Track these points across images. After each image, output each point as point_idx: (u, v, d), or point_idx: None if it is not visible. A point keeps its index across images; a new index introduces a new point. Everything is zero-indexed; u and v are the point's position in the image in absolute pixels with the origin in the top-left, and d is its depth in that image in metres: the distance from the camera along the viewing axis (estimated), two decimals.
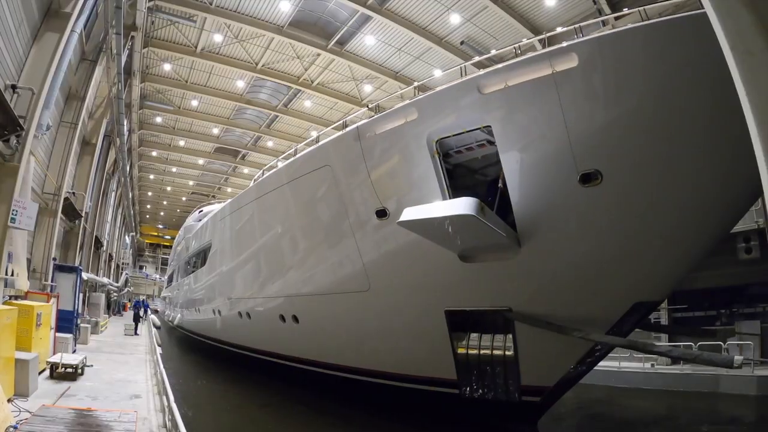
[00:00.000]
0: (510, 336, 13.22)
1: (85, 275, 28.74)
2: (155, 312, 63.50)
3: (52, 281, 21.43)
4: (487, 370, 13.56)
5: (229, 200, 26.38)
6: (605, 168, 10.72)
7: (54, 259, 22.13)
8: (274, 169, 19.67)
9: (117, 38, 23.23)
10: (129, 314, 54.61)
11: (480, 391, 13.74)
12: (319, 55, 36.43)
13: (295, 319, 18.63)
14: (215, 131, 53.94)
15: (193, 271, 33.76)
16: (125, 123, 34.68)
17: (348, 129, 15.21)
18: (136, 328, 35.94)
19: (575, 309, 12.14)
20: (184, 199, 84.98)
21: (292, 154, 19.29)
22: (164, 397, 11.31)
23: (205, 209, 41.69)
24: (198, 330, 34.46)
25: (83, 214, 29.33)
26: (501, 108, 11.69)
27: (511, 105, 11.55)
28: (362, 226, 14.98)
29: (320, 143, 16.93)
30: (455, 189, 13.21)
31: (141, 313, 43.10)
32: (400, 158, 13.78)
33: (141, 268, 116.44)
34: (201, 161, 64.21)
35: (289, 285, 18.66)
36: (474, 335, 13.81)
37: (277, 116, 48.59)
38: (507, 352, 13.26)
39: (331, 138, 16.11)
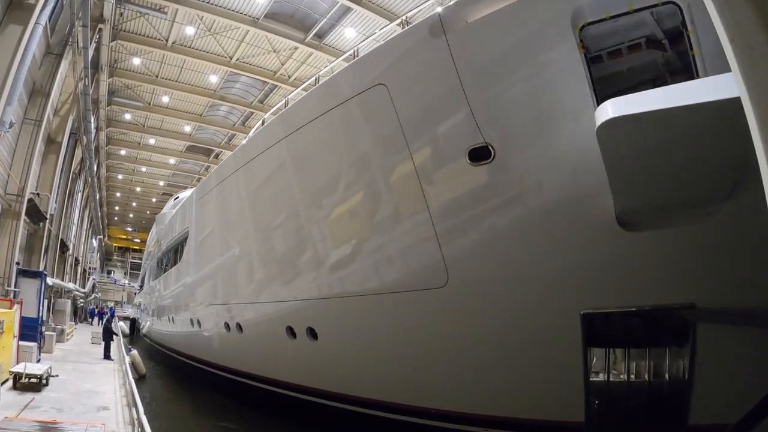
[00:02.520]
0: (684, 349, 8.81)
1: (50, 280, 28.47)
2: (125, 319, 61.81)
3: (15, 287, 21.24)
4: (635, 404, 9.25)
5: (216, 167, 21.26)
6: None
7: (17, 263, 21.94)
8: (288, 106, 14.52)
9: (83, 31, 23.05)
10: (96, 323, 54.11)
11: None
12: (296, 48, 36.34)
13: (312, 333, 13.38)
14: (187, 129, 53.63)
15: (165, 271, 28.09)
16: (92, 120, 34.43)
17: (419, 21, 10.33)
18: (107, 350, 26.72)
19: None
20: (154, 200, 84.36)
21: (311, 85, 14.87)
22: (134, 409, 11.23)
23: (183, 194, 34.09)
24: (171, 345, 27.92)
25: (48, 216, 29.07)
26: None
27: None
28: (441, 179, 9.95)
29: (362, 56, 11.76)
30: None
31: (113, 326, 31.44)
32: (518, 58, 8.86)
33: (109, 272, 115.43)
34: (172, 160, 63.87)
35: (306, 284, 13.49)
36: (618, 351, 9.32)
37: (252, 113, 48.24)
38: (675, 374, 8.93)
39: (386, 42, 11.01)
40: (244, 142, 17.58)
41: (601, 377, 9.21)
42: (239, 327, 16.94)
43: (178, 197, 36.60)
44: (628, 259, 8.35)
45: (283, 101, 15.75)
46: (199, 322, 20.98)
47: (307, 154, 13.19)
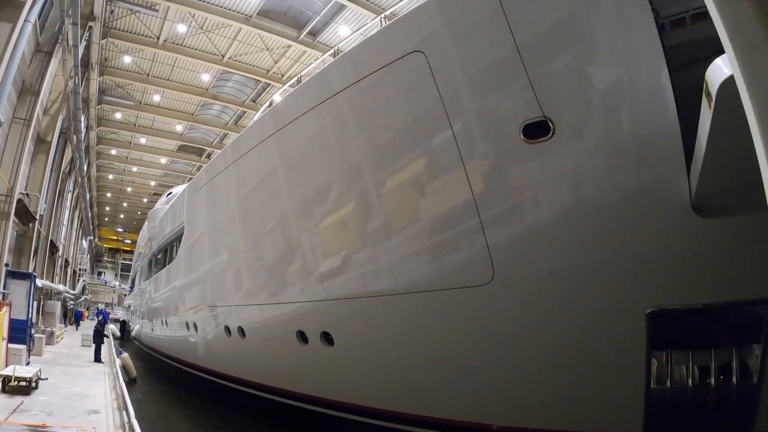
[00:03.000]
0: (753, 349, 7.94)
1: (39, 282, 28.35)
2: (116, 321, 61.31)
3: (4, 288, 21.14)
4: (696, 411, 8.29)
5: (217, 153, 19.58)
6: None
7: (6, 264, 21.83)
8: (303, 82, 13.06)
9: (74, 28, 22.98)
10: (87, 324, 53.85)
11: None
12: (289, 46, 36.36)
13: (327, 338, 11.86)
14: (179, 128, 53.53)
15: (158, 270, 26.36)
16: (82, 119, 34.32)
17: None
18: (98, 353, 26.64)
19: None
20: (145, 200, 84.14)
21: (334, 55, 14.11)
22: (124, 413, 11.22)
23: (177, 189, 31.77)
24: (164, 349, 26.28)
25: (38, 217, 28.95)
26: None
27: None
28: (488, 159, 8.60)
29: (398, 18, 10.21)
30: None
31: (107, 330, 31.33)
32: (585, 18, 7.69)
33: (99, 274, 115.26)
34: (163, 160, 63.78)
35: (322, 283, 11.87)
36: (679, 353, 8.21)
37: (244, 112, 48.27)
38: (742, 376, 7.90)
39: (423, 4, 9.31)
40: (255, 118, 15.77)
41: (661, 383, 8.09)
42: (241, 331, 15.21)
43: (171, 192, 34.34)
44: (703, 249, 7.27)
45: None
46: (195, 326, 19.03)
47: (329, 135, 11.62)
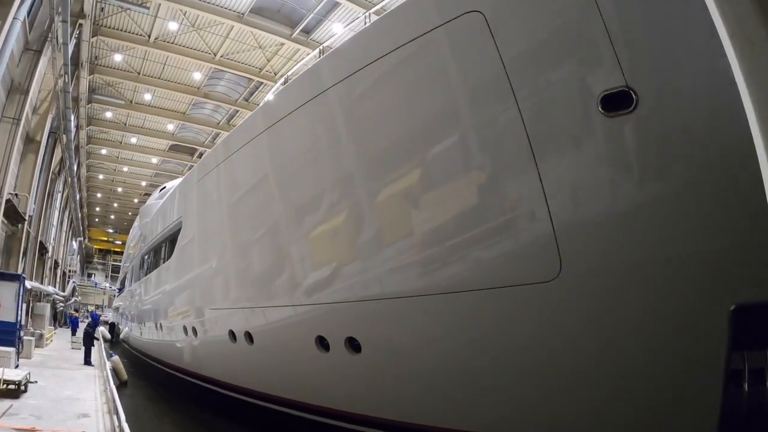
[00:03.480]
0: None
1: (28, 284, 28.25)
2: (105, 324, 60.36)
3: None
4: None
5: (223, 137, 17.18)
6: None
7: None
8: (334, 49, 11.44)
9: (63, 26, 22.90)
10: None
11: None
12: (282, 44, 36.36)
13: (352, 344, 10.28)
14: (170, 127, 53.43)
15: (151, 270, 24.68)
16: (72, 118, 34.23)
17: None
18: (88, 356, 26.46)
19: None
20: (136, 200, 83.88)
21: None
22: (115, 417, 11.20)
23: (171, 184, 30.84)
24: (157, 354, 24.69)
25: (27, 218, 28.88)
26: None
27: None
28: (559, 135, 7.19)
29: None
30: None
31: (97, 332, 30.84)
32: None
33: (89, 276, 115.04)
34: (155, 160, 63.65)
35: (348, 282, 10.29)
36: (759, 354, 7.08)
37: (237, 111, 48.26)
38: None
39: None
40: (269, 96, 13.96)
41: (740, 387, 6.82)
42: (248, 337, 13.50)
43: (164, 187, 33.16)
44: None
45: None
46: (194, 330, 17.17)
47: (363, 110, 9.84)
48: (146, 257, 26.66)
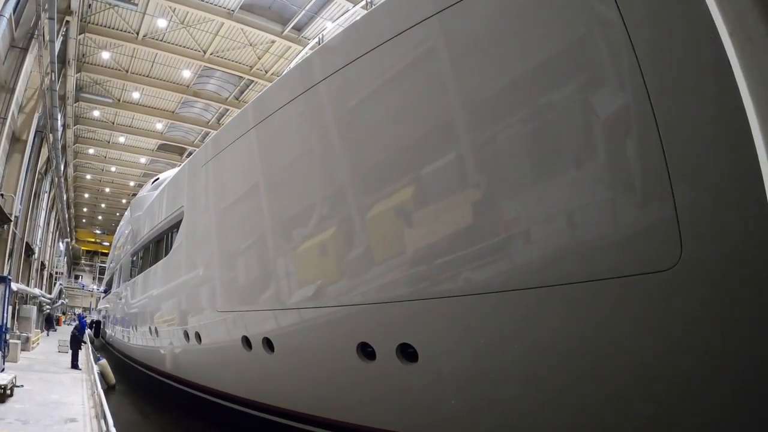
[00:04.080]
0: None
1: (14, 286, 28.12)
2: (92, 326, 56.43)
3: None
4: None
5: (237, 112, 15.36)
6: None
7: None
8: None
9: (50, 23, 22.85)
10: (64, 329, 53.40)
11: None
12: (273, 42, 36.38)
13: (404, 352, 8.47)
14: (159, 127, 53.31)
15: (144, 268, 22.52)
16: (59, 117, 34.09)
17: None
18: (75, 359, 25.95)
19: None
20: (124, 201, 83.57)
21: None
22: (102, 421, 11.17)
23: (166, 174, 29.27)
24: (151, 362, 22.14)
25: (12, 219, 28.71)
26: None
27: None
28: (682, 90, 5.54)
29: None
30: None
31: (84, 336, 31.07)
32: None
33: (77, 278, 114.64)
34: (143, 160, 63.48)
35: (406, 275, 8.20)
36: None
37: (227, 110, 48.20)
38: None
39: None
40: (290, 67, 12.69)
41: None
42: (268, 344, 11.61)
43: (158, 178, 30.58)
44: None
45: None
46: (198, 336, 15.04)
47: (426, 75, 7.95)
48: (138, 254, 24.50)
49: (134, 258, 25.80)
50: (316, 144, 10.19)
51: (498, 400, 7.74)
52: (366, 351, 9.17)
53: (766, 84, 2.90)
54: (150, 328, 20.54)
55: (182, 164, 19.18)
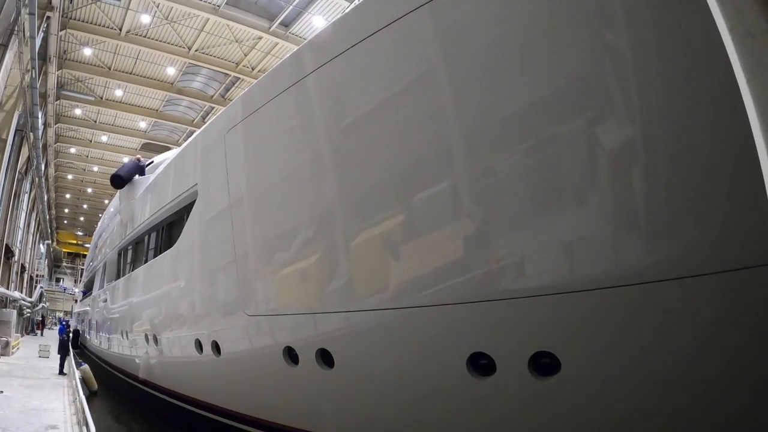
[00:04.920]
0: None
1: None
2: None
3: None
4: None
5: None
6: None
7: None
8: None
9: (30, 19, 22.72)
10: (49, 334, 53.16)
11: None
12: (260, 38, 36.33)
13: (537, 363, 6.42)
14: (142, 125, 53.13)
15: (138, 264, 19.32)
16: (40, 115, 33.94)
17: None
18: (63, 366, 25.95)
19: None
20: (106, 201, 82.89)
21: None
22: (84, 428, 11.14)
23: (160, 158, 25.78)
24: (150, 376, 18.20)
25: None
26: None
27: None
28: None
29: None
30: None
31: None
32: None
33: (58, 281, 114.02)
34: (126, 159, 62.93)
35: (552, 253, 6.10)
36: None
37: (212, 108, 47.89)
38: None
39: None
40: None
41: None
42: (324, 357, 8.92)
43: (152, 162, 25.30)
44: None
45: None
46: (216, 347, 11.98)
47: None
48: (131, 247, 21.02)
49: (123, 252, 22.51)
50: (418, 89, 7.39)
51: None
52: (477, 363, 6.97)
53: (767, 81, 2.90)
54: (147, 336, 16.91)
55: (195, 134, 15.57)
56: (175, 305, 14.76)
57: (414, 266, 7.40)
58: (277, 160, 10.11)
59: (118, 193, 24.07)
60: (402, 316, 7.54)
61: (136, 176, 21.99)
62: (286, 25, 34.93)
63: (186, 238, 13.86)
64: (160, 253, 16.09)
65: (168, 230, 15.92)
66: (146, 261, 17.90)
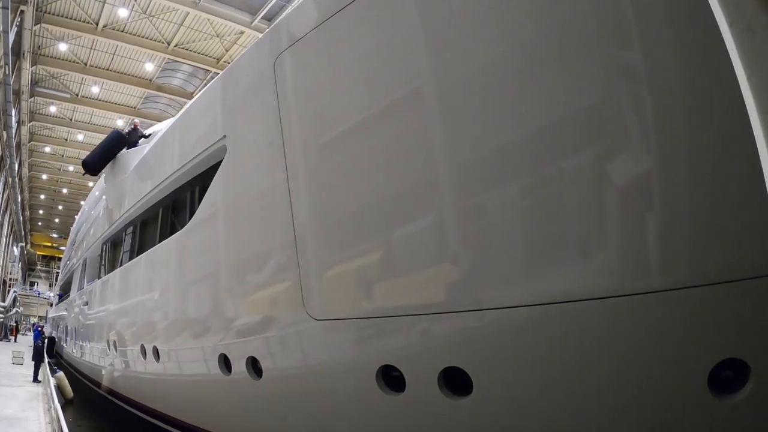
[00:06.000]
0: None
1: None
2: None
3: None
4: None
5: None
6: None
7: None
8: None
9: (3, 13, 22.65)
10: (23, 340, 52.88)
11: None
12: (242, 33, 36.38)
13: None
14: (120, 123, 52.56)
15: (135, 254, 14.68)
16: (13, 113, 33.87)
17: None
18: (37, 372, 25.20)
19: None
20: (82, 202, 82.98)
21: None
22: None
23: (159, 126, 19.56)
24: (140, 398, 14.44)
25: None
26: None
27: None
28: None
29: None
30: None
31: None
32: None
33: (32, 284, 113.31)
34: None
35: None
36: None
37: None
38: None
39: None
40: None
41: None
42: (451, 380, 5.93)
43: (151, 134, 17.60)
44: None
45: None
46: (252, 364, 8.61)
47: None
48: (121, 235, 16.95)
49: (110, 244, 18.68)
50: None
51: None
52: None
53: (767, 76, 2.92)
54: (143, 349, 12.77)
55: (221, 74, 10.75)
56: (188, 307, 11.03)
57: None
58: (365, 89, 6.66)
59: (104, 173, 19.88)
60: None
61: (124, 150, 17.28)
62: (269, 19, 34.82)
63: (205, 213, 9.99)
64: (165, 237, 12.10)
65: (176, 208, 12.45)
66: (142, 251, 13.91)
